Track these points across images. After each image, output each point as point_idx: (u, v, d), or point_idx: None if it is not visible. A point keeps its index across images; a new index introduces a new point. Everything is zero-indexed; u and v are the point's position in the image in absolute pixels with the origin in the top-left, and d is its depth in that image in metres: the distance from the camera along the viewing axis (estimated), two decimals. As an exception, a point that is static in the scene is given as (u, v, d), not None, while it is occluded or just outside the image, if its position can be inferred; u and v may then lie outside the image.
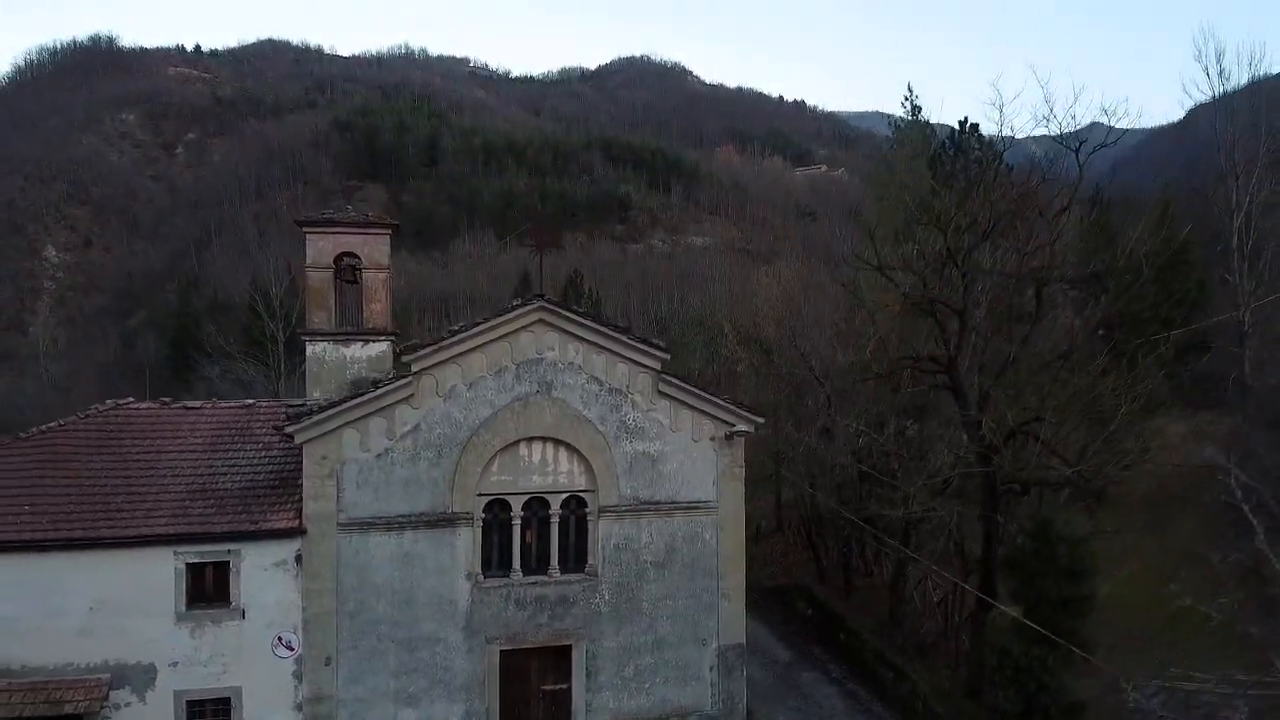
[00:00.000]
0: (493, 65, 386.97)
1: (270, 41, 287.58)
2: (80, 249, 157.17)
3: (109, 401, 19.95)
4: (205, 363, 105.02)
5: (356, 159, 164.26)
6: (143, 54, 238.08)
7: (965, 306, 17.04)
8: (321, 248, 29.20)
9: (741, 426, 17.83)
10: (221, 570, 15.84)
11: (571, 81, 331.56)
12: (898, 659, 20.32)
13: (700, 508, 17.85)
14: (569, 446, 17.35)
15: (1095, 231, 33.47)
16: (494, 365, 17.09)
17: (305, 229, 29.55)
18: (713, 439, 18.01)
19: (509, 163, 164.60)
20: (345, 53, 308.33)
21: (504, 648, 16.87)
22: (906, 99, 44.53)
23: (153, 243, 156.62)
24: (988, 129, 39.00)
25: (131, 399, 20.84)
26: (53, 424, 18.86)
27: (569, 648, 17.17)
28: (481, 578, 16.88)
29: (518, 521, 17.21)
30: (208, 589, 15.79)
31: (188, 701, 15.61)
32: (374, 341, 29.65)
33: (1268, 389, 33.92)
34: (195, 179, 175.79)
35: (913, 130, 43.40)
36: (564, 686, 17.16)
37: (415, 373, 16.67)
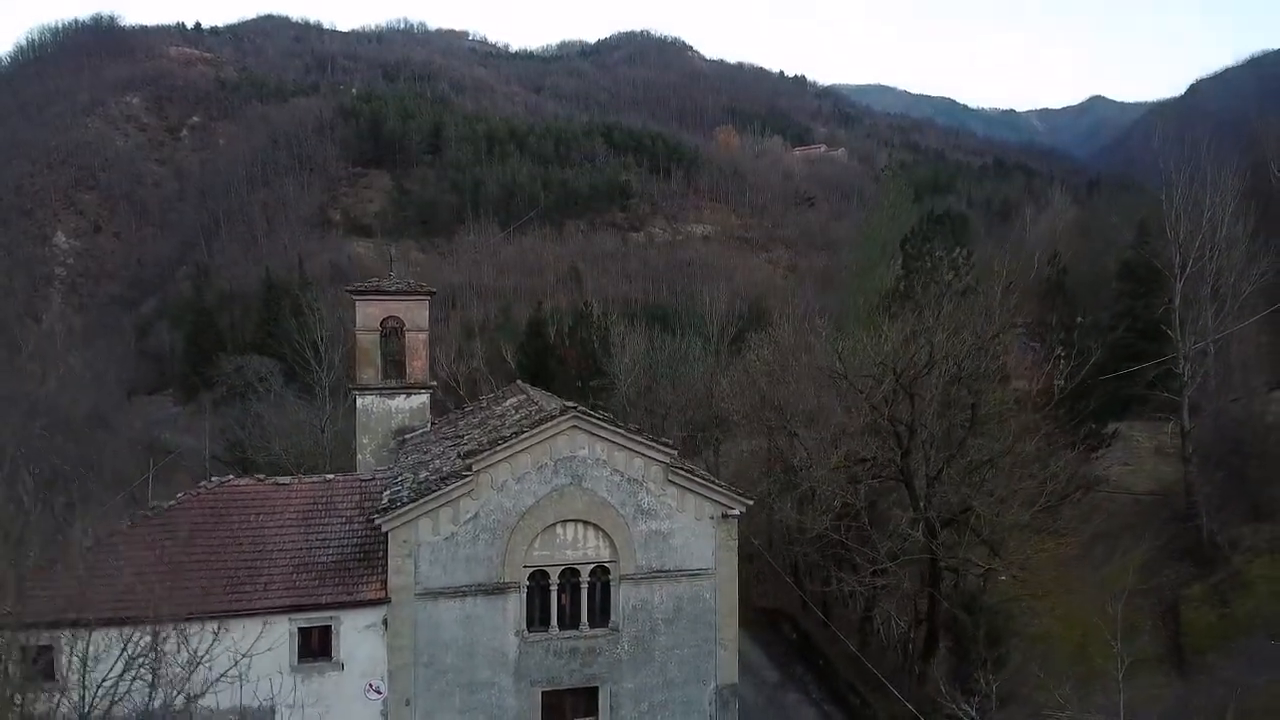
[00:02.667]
0: (492, 39, 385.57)
1: (270, 18, 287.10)
2: (89, 235, 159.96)
3: (213, 479, 24.03)
4: (224, 358, 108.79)
5: (361, 145, 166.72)
6: (144, 33, 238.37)
7: (914, 420, 21.09)
8: (370, 313, 33.50)
9: (734, 510, 22.00)
10: (325, 631, 20.05)
11: (571, 57, 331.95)
12: (863, 688, 24.67)
13: (702, 574, 22.06)
14: (596, 526, 21.51)
15: (1054, 291, 37.57)
16: (536, 463, 21.17)
17: (356, 297, 33.80)
18: (711, 517, 22.16)
19: (511, 150, 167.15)
20: (344, 28, 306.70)
21: (545, 689, 21.15)
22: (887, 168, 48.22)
23: (161, 230, 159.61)
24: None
25: (231, 476, 24.84)
26: (170, 502, 22.93)
27: (596, 689, 21.46)
28: (526, 633, 21.13)
29: (554, 587, 21.42)
30: (314, 646, 19.99)
31: (300, 736, 19.85)
32: (415, 394, 34.05)
33: (1208, 433, 38.07)
34: (201, 163, 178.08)
35: (894, 186, 47.23)
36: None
37: (475, 471, 20.72)
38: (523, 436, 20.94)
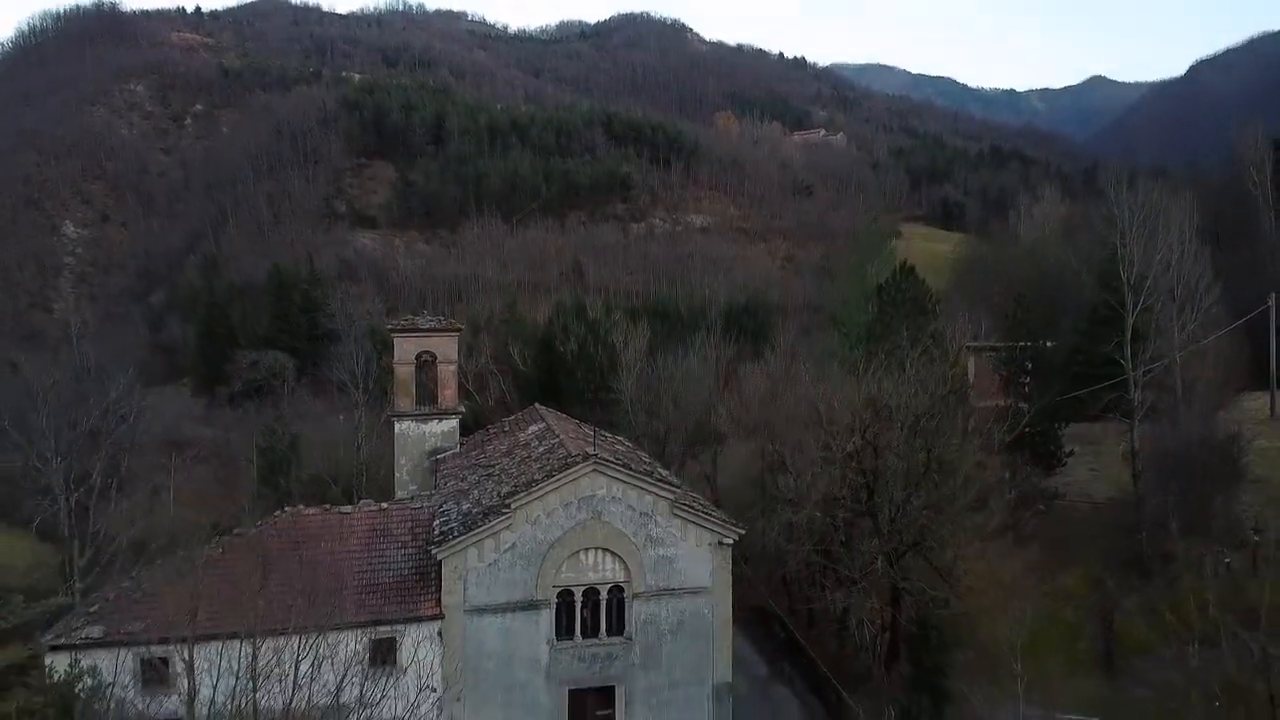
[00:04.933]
0: (490, 19, 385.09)
1: (269, 0, 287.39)
2: (98, 225, 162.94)
3: (286, 509, 28.11)
4: (239, 353, 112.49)
5: (365, 137, 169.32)
6: (145, 18, 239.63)
7: (877, 467, 25.14)
8: (406, 348, 37.65)
9: (728, 539, 26.19)
10: (390, 642, 24.22)
11: (571, 39, 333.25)
12: (839, 684, 28.95)
13: (701, 592, 26.25)
14: (613, 553, 25.67)
15: (1017, 326, 41.61)
16: (563, 500, 25.28)
17: (394, 334, 37.89)
18: (709, 544, 26.32)
19: (513, 141, 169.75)
20: (343, 9, 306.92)
21: (571, 688, 25.42)
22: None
23: (169, 220, 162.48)
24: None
25: (301, 506, 28.84)
26: (252, 530, 26.99)
27: (613, 688, 25.74)
28: (555, 642, 25.35)
29: (579, 604, 25.61)
30: (382, 654, 24.17)
31: (370, 727, 24.02)
32: (446, 419, 38.23)
33: (1164, 444, 42.05)
34: (205, 152, 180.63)
35: (871, 238, 51.14)
36: (610, 713, 25.77)
37: (513, 509, 24.79)
38: (552, 480, 25.04)
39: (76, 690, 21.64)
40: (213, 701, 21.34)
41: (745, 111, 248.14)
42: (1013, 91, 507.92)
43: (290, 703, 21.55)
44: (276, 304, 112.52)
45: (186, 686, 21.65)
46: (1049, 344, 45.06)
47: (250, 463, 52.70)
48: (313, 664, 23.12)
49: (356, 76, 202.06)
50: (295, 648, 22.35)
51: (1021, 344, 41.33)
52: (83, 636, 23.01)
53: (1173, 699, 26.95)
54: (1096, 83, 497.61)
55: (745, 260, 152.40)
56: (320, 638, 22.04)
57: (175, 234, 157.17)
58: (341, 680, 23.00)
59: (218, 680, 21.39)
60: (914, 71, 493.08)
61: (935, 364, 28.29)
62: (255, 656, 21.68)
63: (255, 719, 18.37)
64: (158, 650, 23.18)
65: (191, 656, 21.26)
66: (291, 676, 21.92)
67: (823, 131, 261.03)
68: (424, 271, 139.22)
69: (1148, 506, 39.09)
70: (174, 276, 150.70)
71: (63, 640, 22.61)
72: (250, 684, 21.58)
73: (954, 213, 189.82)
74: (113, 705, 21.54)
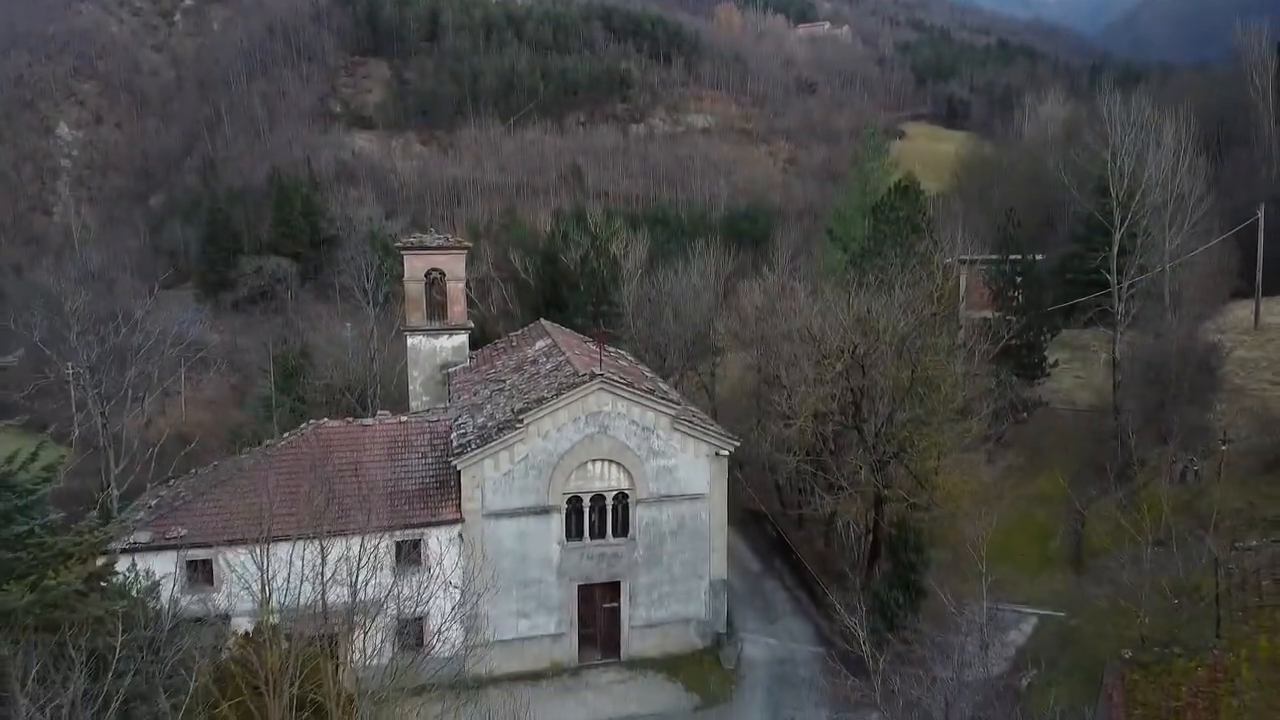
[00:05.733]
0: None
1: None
2: (92, 126, 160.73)
3: (311, 422, 30.05)
4: (243, 259, 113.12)
5: (358, 34, 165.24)
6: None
7: (864, 385, 26.91)
8: (415, 265, 39.00)
9: (724, 451, 28.22)
10: (416, 543, 26.55)
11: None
12: (823, 579, 31.58)
13: (699, 498, 28.47)
14: (617, 463, 27.74)
15: (1009, 241, 42.71)
16: (572, 416, 27.17)
17: (404, 252, 39.13)
18: (707, 455, 28.39)
19: (510, 37, 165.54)
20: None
21: (580, 583, 27.92)
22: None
23: (163, 121, 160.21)
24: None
25: (326, 419, 30.76)
26: (280, 440, 29.01)
27: (619, 582, 28.25)
28: (566, 543, 27.69)
29: (587, 509, 27.84)
30: (408, 554, 26.53)
31: (399, 620, 26.61)
32: (456, 334, 39.94)
33: (1146, 354, 43.81)
34: (197, 50, 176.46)
35: (871, 145, 51.47)
36: (615, 605, 28.37)
37: (526, 424, 26.71)
38: (562, 397, 26.88)
39: (134, 592, 23.98)
40: (267, 600, 23.58)
41: (749, 2, 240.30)
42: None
43: (325, 597, 23.96)
44: (278, 209, 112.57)
45: (256, 586, 23.97)
46: (1038, 257, 46.22)
47: (266, 372, 54.27)
48: (357, 563, 25.42)
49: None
50: (344, 548, 24.59)
51: (1012, 258, 42.57)
52: (144, 541, 25.19)
53: (1128, 597, 29.57)
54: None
55: (747, 163, 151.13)
56: (364, 539, 24.18)
57: (171, 135, 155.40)
58: (373, 578, 25.41)
59: (271, 580, 23.55)
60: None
61: (922, 284, 29.64)
62: (324, 557, 23.63)
63: (325, 612, 20.53)
64: (200, 553, 25.54)
65: (265, 556, 22.59)
66: (348, 574, 24.21)
67: (828, 24, 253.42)
68: (421, 174, 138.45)
69: (1124, 414, 41.14)
70: (172, 179, 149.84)
71: (128, 545, 24.71)
72: (318, 582, 23.74)
73: (959, 111, 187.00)
74: (169, 603, 23.86)
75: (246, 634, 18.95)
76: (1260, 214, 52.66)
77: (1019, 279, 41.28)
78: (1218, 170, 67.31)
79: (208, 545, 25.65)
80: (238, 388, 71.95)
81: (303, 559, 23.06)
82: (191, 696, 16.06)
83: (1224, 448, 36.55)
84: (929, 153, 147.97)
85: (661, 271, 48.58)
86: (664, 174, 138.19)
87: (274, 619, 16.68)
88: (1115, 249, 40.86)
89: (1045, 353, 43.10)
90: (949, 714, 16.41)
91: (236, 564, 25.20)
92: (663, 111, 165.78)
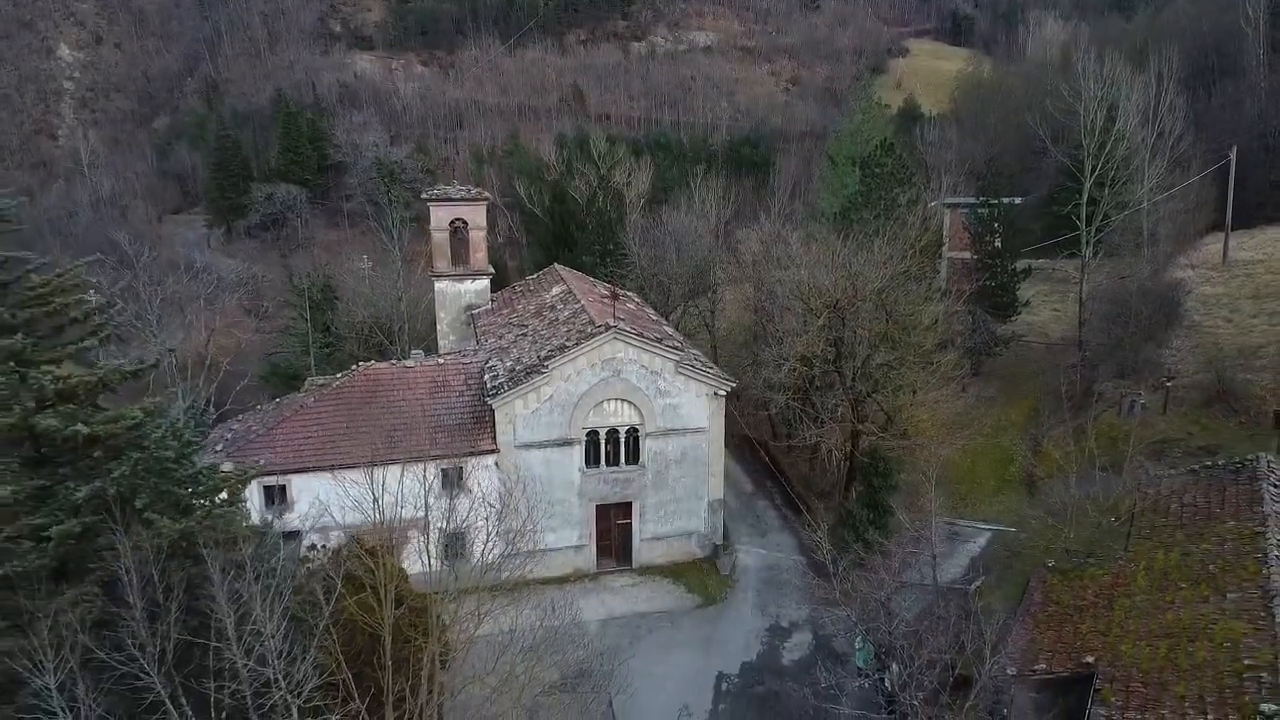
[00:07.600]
0: None
1: None
2: (92, 47, 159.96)
3: (359, 364, 34.17)
4: (254, 186, 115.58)
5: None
6: None
7: (844, 334, 30.95)
8: (441, 215, 42.68)
9: (722, 391, 32.49)
10: (458, 471, 31.03)
11: None
12: (809, 498, 36.31)
13: (700, 432, 32.87)
14: (629, 402, 32.03)
15: (988, 187, 46.01)
16: (590, 362, 31.32)
17: (430, 203, 42.59)
18: (707, 394, 32.66)
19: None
20: None
21: (597, 503, 32.59)
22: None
23: (163, 40, 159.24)
24: None
25: (373, 360, 34.87)
26: (334, 379, 33.16)
27: (630, 503, 32.94)
28: (585, 469, 32.24)
29: (603, 441, 32.28)
30: (451, 479, 31.03)
31: (444, 534, 31.33)
32: (479, 279, 43.85)
33: (1105, 297, 47.62)
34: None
35: (864, 98, 53.86)
36: (628, 522, 33.13)
37: (550, 369, 30.85)
38: (580, 346, 30.99)
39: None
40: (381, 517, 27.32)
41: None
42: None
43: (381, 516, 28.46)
44: (285, 136, 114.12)
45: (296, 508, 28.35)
46: (1017, 201, 49.53)
47: (290, 304, 57.38)
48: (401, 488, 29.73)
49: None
50: (400, 472, 28.84)
51: (991, 202, 45.94)
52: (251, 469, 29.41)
53: (1058, 515, 34.19)
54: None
55: (748, 83, 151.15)
56: (421, 466, 28.39)
57: (171, 55, 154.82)
58: (417, 501, 29.91)
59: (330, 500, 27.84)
60: None
61: (900, 239, 33.25)
62: (402, 478, 26.83)
63: (389, 533, 24.66)
64: (276, 480, 29.99)
65: (374, 478, 25.74)
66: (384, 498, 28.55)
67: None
68: (423, 96, 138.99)
69: (1086, 350, 45.27)
70: (175, 101, 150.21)
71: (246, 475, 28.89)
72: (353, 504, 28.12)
73: (964, 27, 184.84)
74: (263, 523, 28.37)
75: (341, 546, 23.21)
76: (1232, 155, 55.58)
77: (996, 225, 44.79)
78: (1208, 100, 69.42)
79: (328, 469, 29.11)
80: (254, 313, 74.41)
81: (399, 480, 27.10)
82: (303, 601, 20.44)
83: (1168, 384, 40.80)
84: (931, 71, 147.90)
85: (665, 206, 51.83)
86: (666, 95, 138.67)
87: (376, 534, 20.61)
88: (1085, 197, 44.25)
89: (1018, 293, 46.90)
90: (887, 606, 20.98)
91: (310, 488, 29.66)
92: (664, 29, 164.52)
